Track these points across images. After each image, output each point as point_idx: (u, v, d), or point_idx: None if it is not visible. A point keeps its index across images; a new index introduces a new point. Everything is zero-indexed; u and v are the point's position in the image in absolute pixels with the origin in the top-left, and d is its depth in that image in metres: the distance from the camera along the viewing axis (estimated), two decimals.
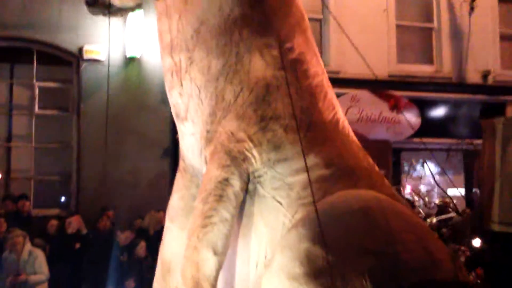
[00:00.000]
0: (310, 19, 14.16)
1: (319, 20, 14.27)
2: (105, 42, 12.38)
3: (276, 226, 3.99)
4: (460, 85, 14.78)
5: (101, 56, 12.58)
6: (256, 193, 4.09)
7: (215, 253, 3.90)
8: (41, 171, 12.62)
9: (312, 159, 4.06)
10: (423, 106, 14.25)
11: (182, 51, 4.18)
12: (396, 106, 13.53)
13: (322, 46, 14.05)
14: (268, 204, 4.05)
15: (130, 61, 12.74)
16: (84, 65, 12.66)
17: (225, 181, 3.98)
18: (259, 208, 4.08)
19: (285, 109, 4.07)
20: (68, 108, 12.84)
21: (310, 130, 4.12)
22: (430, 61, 14.98)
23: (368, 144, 4.75)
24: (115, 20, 12.36)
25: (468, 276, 4.09)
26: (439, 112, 14.57)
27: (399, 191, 4.97)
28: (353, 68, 13.48)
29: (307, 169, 3.83)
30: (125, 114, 12.22)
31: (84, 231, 10.20)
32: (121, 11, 4.56)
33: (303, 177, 4.02)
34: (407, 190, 12.53)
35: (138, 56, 12.68)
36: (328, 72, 14.05)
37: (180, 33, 4.17)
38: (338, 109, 4.42)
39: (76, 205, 12.31)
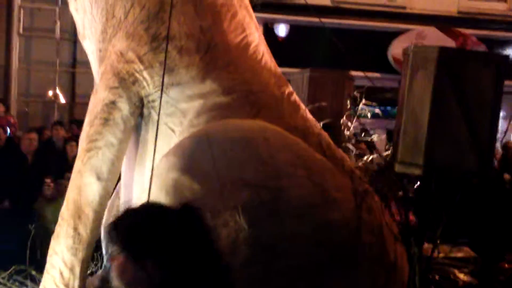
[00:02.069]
0: None
1: None
2: None
3: None
4: None
5: None
6: (150, 119, 3.86)
7: (99, 178, 3.74)
8: None
9: (208, 85, 3.78)
10: (492, 46, 13.24)
11: None
12: (464, 45, 12.68)
13: None
14: (161, 131, 3.82)
15: None
16: None
17: (112, 104, 3.77)
18: (153, 135, 3.86)
19: (180, 29, 3.77)
20: None
21: (209, 53, 3.81)
22: None
23: None
24: None
25: (380, 219, 3.71)
26: (510, 52, 13.50)
27: None
28: (420, 3, 12.72)
29: None
30: None
31: None
32: None
33: (197, 103, 3.77)
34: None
35: None
36: (394, 7, 13.53)
37: None
38: (251, 32, 4.05)
39: None
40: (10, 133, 10.57)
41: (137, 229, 1.99)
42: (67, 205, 3.80)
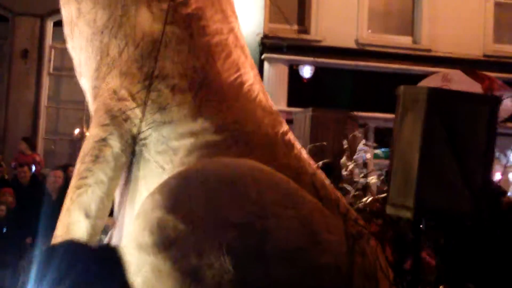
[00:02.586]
0: None
1: None
2: None
3: None
4: None
5: None
6: (142, 156, 3.87)
7: (87, 216, 3.74)
8: None
9: (200, 123, 3.78)
10: None
11: (72, 2, 4.03)
12: (490, 88, 12.52)
13: (413, 22, 13.44)
14: (152, 168, 3.83)
15: None
16: None
17: (103, 141, 3.79)
18: (144, 172, 3.87)
19: (174, 67, 3.82)
20: None
21: (202, 91, 3.83)
22: None
23: None
24: None
25: (375, 262, 3.62)
26: None
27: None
28: (446, 46, 12.70)
29: None
30: None
31: None
32: None
33: (188, 142, 3.77)
34: (497, 177, 11.55)
35: None
36: (419, 49, 13.51)
37: None
38: (246, 71, 4.06)
39: None
40: (35, 170, 10.75)
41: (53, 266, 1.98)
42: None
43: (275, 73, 13.02)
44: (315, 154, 4.25)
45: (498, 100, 3.59)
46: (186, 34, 3.87)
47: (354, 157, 4.31)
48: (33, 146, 11.76)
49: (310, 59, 12.91)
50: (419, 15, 13.39)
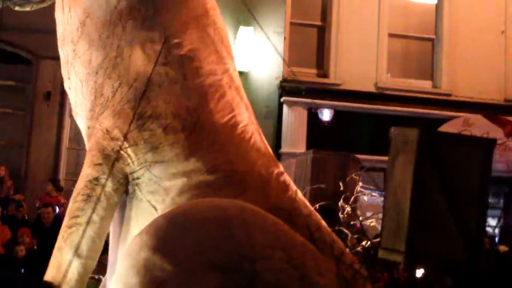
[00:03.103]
0: (422, 39, 13.69)
1: (432, 40, 13.54)
2: None
3: None
4: None
5: None
6: (135, 196, 3.87)
7: (79, 255, 3.73)
8: None
9: (192, 163, 3.78)
10: None
11: (68, 44, 4.09)
12: None
13: (433, 67, 13.42)
14: (144, 208, 3.83)
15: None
16: None
17: (95, 180, 3.81)
18: (136, 212, 3.86)
19: (167, 108, 3.83)
20: None
21: (194, 132, 3.83)
22: None
23: None
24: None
25: None
26: None
27: None
28: (466, 91, 12.64)
29: None
30: None
31: None
32: (26, 4, 4.51)
33: (180, 182, 3.76)
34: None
35: (246, 71, 12.78)
36: (439, 94, 13.46)
37: (68, 25, 4.09)
38: (240, 112, 4.06)
39: None
40: (58, 212, 10.83)
41: None
42: None
43: (294, 116, 13.05)
44: (315, 196, 4.20)
45: (492, 143, 3.51)
46: (180, 75, 3.90)
47: (352, 199, 4.25)
48: (59, 188, 11.90)
49: (329, 102, 12.93)
50: (439, 59, 13.38)
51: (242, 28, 12.58)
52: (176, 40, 3.95)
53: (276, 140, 12.72)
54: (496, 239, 9.12)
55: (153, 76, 3.86)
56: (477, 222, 3.46)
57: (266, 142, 4.18)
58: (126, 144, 3.83)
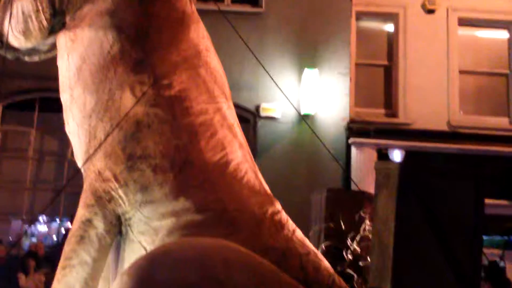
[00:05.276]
0: (495, 74, 13.15)
1: (505, 75, 13.05)
2: (281, 100, 12.70)
3: None
4: None
5: (277, 114, 12.88)
6: (127, 237, 3.88)
7: None
8: None
9: (182, 203, 3.76)
10: None
11: (66, 89, 4.21)
12: None
13: (509, 102, 12.91)
14: (135, 249, 3.83)
15: (304, 118, 12.84)
16: (260, 122, 13.08)
17: (88, 222, 3.85)
18: (129, 253, 3.86)
19: (156, 148, 3.86)
20: None
21: (184, 170, 3.83)
22: None
23: None
24: (292, 79, 12.77)
25: None
26: None
27: None
28: None
29: None
30: (297, 170, 12.37)
31: None
32: (35, 54, 4.68)
33: (169, 221, 3.75)
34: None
35: (312, 114, 12.72)
36: None
37: (67, 72, 4.21)
38: (232, 150, 4.01)
39: None
40: None
41: None
42: None
43: (363, 157, 12.77)
44: (327, 235, 4.07)
45: (484, 175, 3.29)
46: (169, 115, 3.92)
47: (358, 238, 4.08)
48: None
49: (400, 142, 12.59)
50: None
51: (306, 70, 12.55)
52: (165, 81, 3.99)
53: (345, 182, 12.49)
54: None
55: (142, 117, 3.90)
56: (471, 257, 3.24)
57: (262, 180, 4.11)
58: (116, 185, 3.86)
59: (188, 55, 4.13)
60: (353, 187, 10.59)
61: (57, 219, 12.30)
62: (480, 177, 3.28)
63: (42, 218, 12.22)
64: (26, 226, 11.83)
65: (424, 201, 3.18)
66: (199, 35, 4.30)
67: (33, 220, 11.82)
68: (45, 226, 12.59)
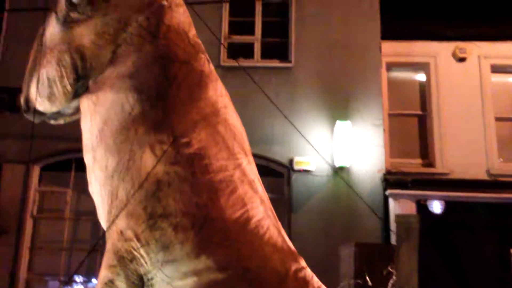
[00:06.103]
0: None
1: None
2: (314, 153, 12.65)
3: None
4: None
5: (311, 167, 12.81)
6: None
7: None
8: None
9: (203, 261, 3.74)
10: None
11: (89, 151, 4.27)
12: None
13: None
14: None
15: (339, 171, 12.75)
16: (294, 176, 13.02)
17: (110, 282, 3.85)
18: None
19: (176, 206, 3.87)
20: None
21: (204, 229, 3.81)
22: None
23: None
24: (324, 132, 12.74)
25: None
26: None
27: None
28: None
29: None
30: (333, 223, 12.24)
31: None
32: (60, 118, 4.76)
33: (191, 280, 3.73)
34: None
35: (347, 166, 12.62)
36: None
37: (89, 134, 4.27)
38: (253, 207, 3.98)
39: None
40: None
41: None
42: None
43: (401, 209, 12.56)
44: None
45: (508, 225, 3.18)
46: (189, 173, 3.93)
47: None
48: None
49: (438, 193, 12.37)
50: None
51: (338, 123, 12.52)
52: (184, 140, 4.01)
53: (384, 234, 12.28)
54: None
55: (163, 176, 3.91)
56: None
57: (285, 236, 4.06)
58: (138, 244, 3.86)
59: (206, 113, 4.16)
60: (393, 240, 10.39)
61: (94, 280, 12.33)
62: (506, 228, 3.17)
63: (78, 278, 12.26)
64: (63, 287, 11.87)
65: (447, 254, 3.08)
66: (217, 93, 4.34)
67: (69, 281, 11.87)
68: (82, 286, 12.62)
